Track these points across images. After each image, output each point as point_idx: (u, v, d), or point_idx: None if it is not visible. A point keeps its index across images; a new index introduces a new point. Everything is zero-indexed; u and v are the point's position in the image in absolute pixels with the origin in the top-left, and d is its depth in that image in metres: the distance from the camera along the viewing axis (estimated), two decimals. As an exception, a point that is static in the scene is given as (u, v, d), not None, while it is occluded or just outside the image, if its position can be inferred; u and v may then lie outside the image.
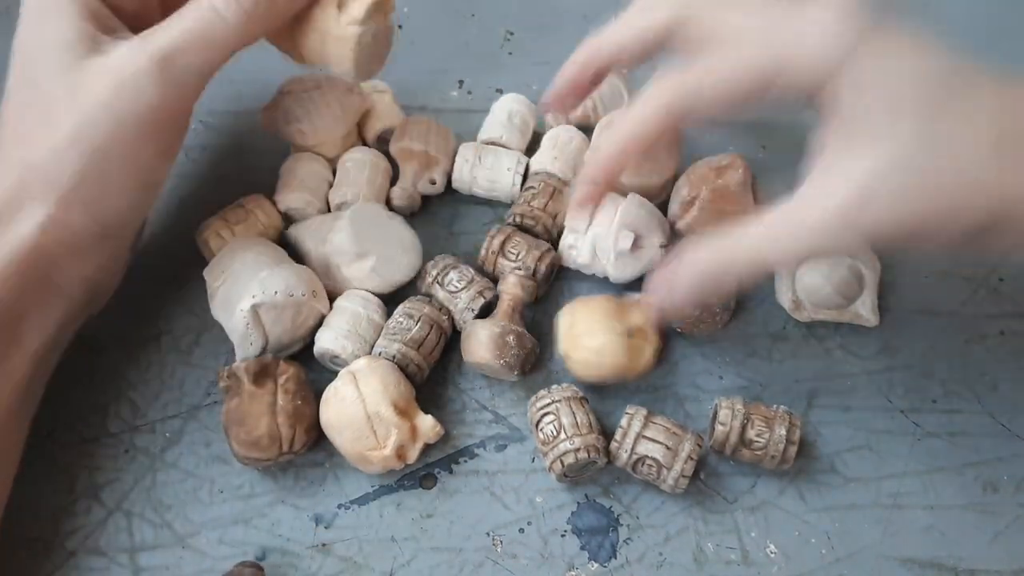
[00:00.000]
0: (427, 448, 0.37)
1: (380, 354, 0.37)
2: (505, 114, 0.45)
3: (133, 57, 0.33)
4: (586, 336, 0.37)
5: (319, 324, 0.39)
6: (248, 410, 0.35)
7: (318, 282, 0.39)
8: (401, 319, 0.38)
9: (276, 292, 0.36)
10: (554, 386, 0.37)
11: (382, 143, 0.45)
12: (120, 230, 0.36)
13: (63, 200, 0.33)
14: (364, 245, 0.39)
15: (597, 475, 0.37)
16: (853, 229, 0.30)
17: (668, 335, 0.41)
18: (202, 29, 0.33)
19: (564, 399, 0.36)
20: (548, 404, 0.36)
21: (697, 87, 0.32)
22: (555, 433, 0.35)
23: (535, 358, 0.39)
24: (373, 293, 0.40)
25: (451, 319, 0.39)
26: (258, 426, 0.35)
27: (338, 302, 0.39)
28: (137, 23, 0.35)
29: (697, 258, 0.33)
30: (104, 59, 0.33)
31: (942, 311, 0.42)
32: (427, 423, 0.36)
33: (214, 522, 0.36)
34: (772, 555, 0.36)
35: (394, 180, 0.44)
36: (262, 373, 0.36)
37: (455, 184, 0.44)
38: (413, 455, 0.36)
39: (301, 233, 0.41)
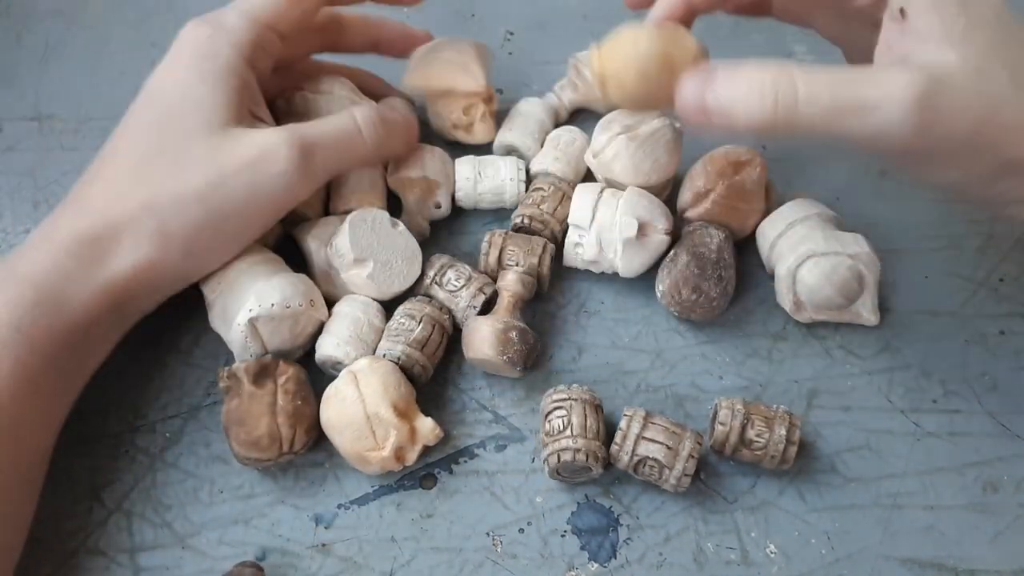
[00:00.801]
0: (427, 448, 0.37)
1: (384, 356, 0.37)
2: (531, 119, 0.45)
3: (280, 137, 0.36)
4: (619, 37, 0.34)
5: (319, 331, 0.38)
6: (248, 410, 0.35)
7: (316, 290, 0.38)
8: (403, 320, 0.38)
9: (273, 304, 0.36)
10: (575, 385, 0.37)
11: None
12: (200, 276, 0.38)
13: (167, 245, 0.35)
14: (363, 251, 0.39)
15: (594, 478, 0.37)
16: (912, 115, 0.29)
17: (670, 334, 0.41)
18: (342, 137, 0.38)
19: (581, 399, 0.36)
20: (564, 399, 0.36)
21: None
22: (561, 428, 0.35)
23: (537, 354, 0.39)
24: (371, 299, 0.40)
25: (452, 318, 0.39)
26: (258, 426, 0.35)
27: (337, 308, 0.39)
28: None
29: (747, 76, 0.31)
30: (250, 132, 0.36)
31: (942, 311, 0.42)
32: (427, 425, 0.36)
33: (214, 522, 0.36)
34: (772, 555, 0.36)
35: (391, 209, 0.44)
36: (262, 373, 0.36)
37: (460, 203, 0.44)
38: (412, 457, 0.36)
39: (305, 234, 0.41)
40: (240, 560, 0.34)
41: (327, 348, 0.38)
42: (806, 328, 0.42)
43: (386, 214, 0.40)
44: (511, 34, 0.53)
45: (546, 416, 0.36)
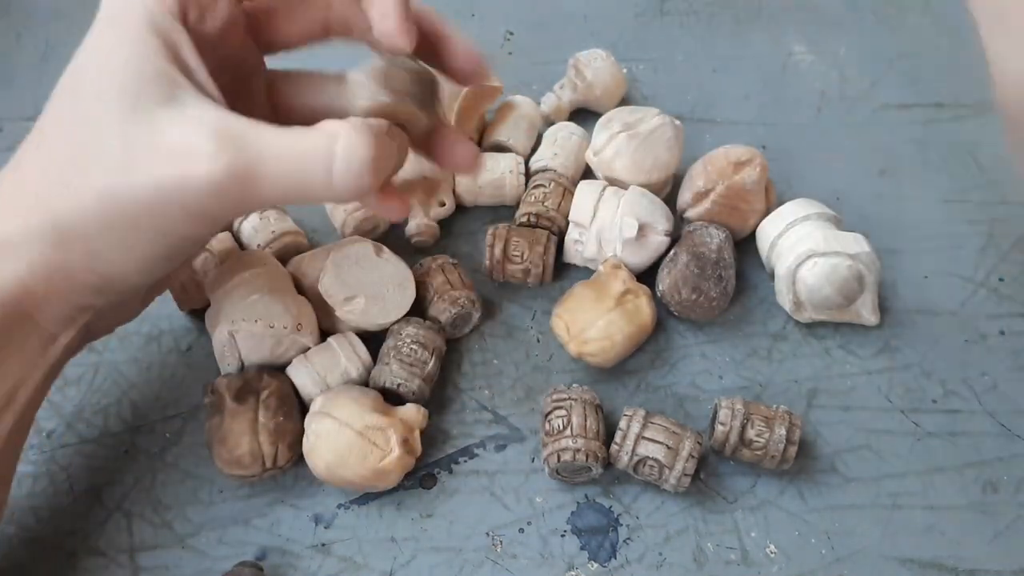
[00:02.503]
0: (427, 448, 0.37)
1: (398, 385, 0.37)
2: (519, 117, 0.45)
3: (208, 139, 0.27)
4: (587, 330, 0.37)
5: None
6: (229, 428, 0.35)
7: (310, 316, 0.38)
8: (415, 347, 0.38)
9: (257, 320, 0.36)
10: (575, 385, 0.37)
11: None
12: (122, 285, 0.32)
13: (64, 246, 0.29)
14: (351, 288, 0.38)
15: (594, 478, 0.37)
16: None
17: (670, 334, 0.41)
18: (304, 176, 0.28)
19: (581, 400, 0.36)
20: (564, 399, 0.36)
21: None
22: (561, 428, 0.35)
23: (434, 93, 0.32)
24: (368, 331, 0.39)
25: (445, 337, 0.39)
26: (239, 444, 0.35)
27: (331, 339, 0.38)
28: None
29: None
30: (173, 123, 0.27)
31: (942, 311, 0.42)
32: (410, 411, 0.36)
33: (214, 522, 0.36)
34: (772, 555, 0.36)
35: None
36: (244, 389, 0.35)
37: (460, 198, 0.44)
38: (418, 445, 0.36)
39: (302, 266, 0.40)
40: (240, 560, 0.34)
41: (298, 374, 0.37)
42: (806, 328, 0.41)
43: (369, 244, 0.39)
44: (511, 34, 0.53)
45: (546, 416, 0.36)
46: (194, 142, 0.27)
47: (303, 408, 0.37)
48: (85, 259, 0.29)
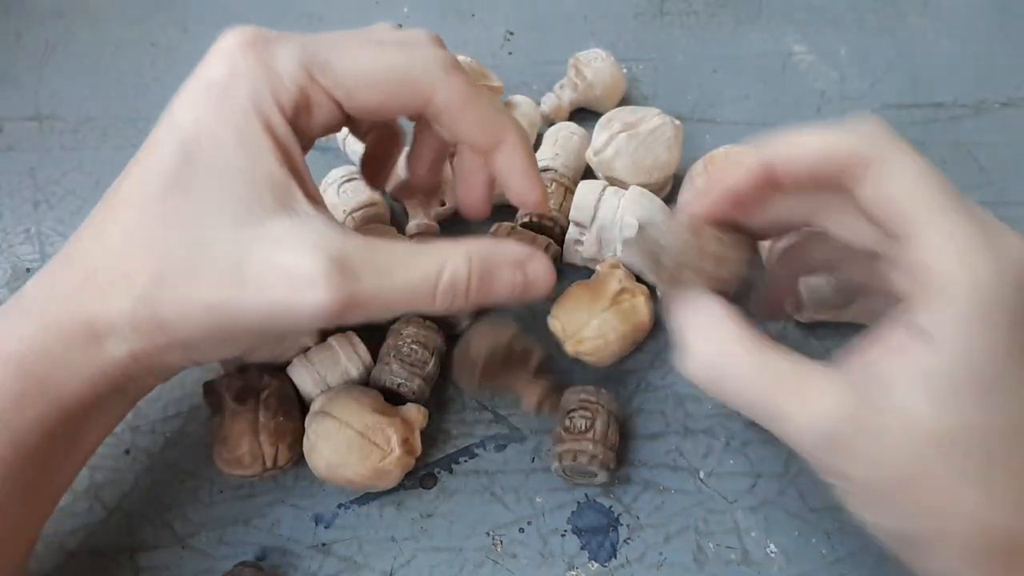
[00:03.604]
0: (427, 448, 0.37)
1: (398, 385, 0.37)
2: (518, 117, 0.45)
3: (327, 283, 0.27)
4: (582, 329, 0.37)
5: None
6: (230, 428, 0.35)
7: None
8: (415, 347, 0.37)
9: None
10: (603, 391, 0.37)
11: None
12: (209, 361, 0.35)
13: (165, 342, 0.29)
14: None
15: (593, 483, 0.37)
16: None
17: (670, 334, 0.41)
18: (408, 305, 0.29)
19: (607, 409, 0.36)
20: (591, 403, 0.36)
21: None
22: (583, 429, 0.35)
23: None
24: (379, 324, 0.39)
25: (445, 337, 0.39)
26: (240, 445, 0.35)
27: (332, 339, 0.38)
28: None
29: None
30: (292, 242, 0.27)
31: (942, 311, 0.42)
32: (411, 411, 0.36)
33: (214, 522, 0.36)
34: (772, 555, 0.36)
35: (394, 218, 0.44)
36: (244, 389, 0.35)
37: None
38: (419, 445, 0.36)
39: None
40: (240, 560, 0.34)
41: (299, 374, 0.37)
42: (806, 328, 0.41)
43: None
44: (511, 34, 0.53)
45: (568, 412, 0.36)
46: (308, 270, 0.27)
47: (303, 408, 0.37)
48: (181, 351, 0.30)
